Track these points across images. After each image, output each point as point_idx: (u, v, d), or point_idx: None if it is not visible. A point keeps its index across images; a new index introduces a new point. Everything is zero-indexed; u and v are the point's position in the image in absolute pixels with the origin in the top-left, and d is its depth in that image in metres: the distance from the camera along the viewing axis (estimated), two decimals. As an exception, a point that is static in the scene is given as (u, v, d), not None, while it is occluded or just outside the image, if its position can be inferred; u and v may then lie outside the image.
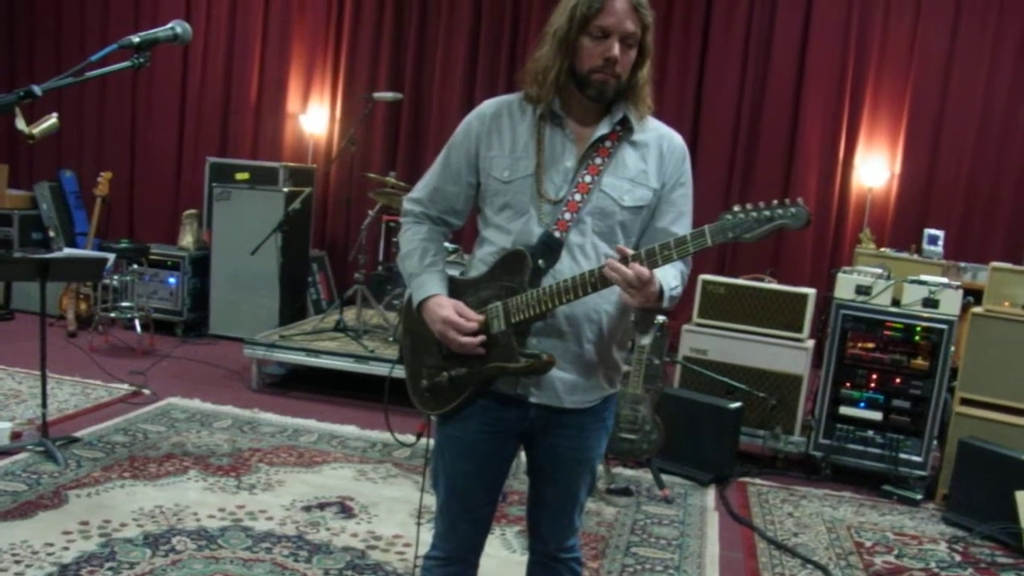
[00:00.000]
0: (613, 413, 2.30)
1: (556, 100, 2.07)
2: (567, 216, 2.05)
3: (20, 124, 1.94)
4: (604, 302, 2.08)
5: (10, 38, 8.90)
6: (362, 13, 8.01)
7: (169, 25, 2.15)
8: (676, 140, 2.16)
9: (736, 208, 1.85)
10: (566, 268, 2.04)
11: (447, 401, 2.16)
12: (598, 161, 2.07)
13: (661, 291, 1.91)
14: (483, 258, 2.16)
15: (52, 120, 2.12)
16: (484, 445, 2.18)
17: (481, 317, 2.07)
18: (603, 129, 2.07)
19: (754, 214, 1.83)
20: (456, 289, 2.17)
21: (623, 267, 1.86)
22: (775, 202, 1.84)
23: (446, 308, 2.09)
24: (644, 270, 1.85)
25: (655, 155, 2.12)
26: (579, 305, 2.03)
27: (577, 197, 2.05)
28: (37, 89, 1.88)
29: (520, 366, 2.03)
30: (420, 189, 2.27)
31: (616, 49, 1.98)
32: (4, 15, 8.89)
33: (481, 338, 2.05)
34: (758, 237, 1.84)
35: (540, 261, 2.04)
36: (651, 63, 2.08)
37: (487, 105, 2.19)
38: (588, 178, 2.06)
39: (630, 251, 1.89)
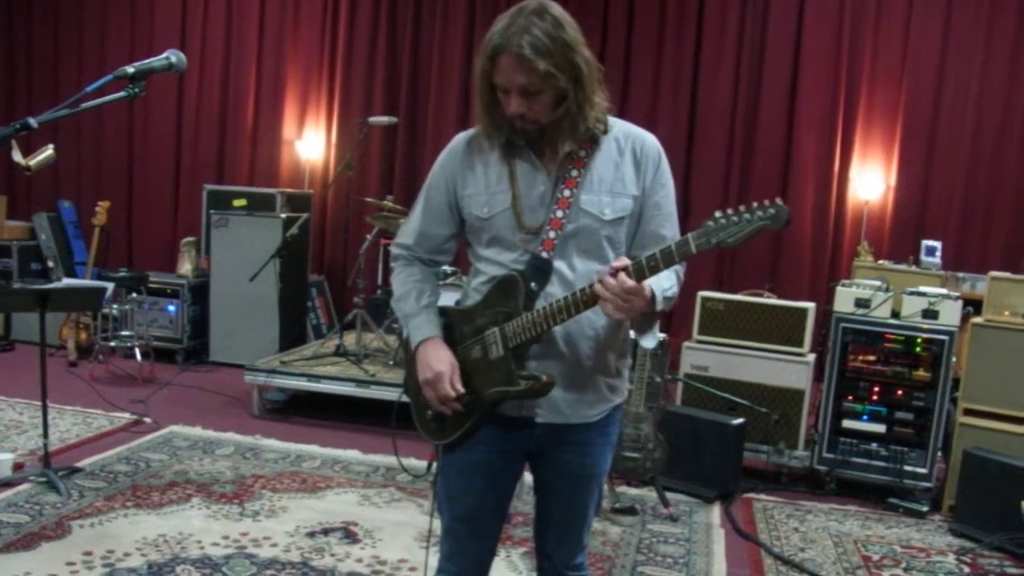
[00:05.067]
0: (617, 428, 2.29)
1: (515, 134, 2.06)
2: (552, 235, 2.05)
3: (17, 156, 1.95)
4: (599, 317, 2.07)
5: (9, 69, 8.96)
6: (356, 38, 8.05)
7: (164, 55, 2.16)
8: (649, 141, 2.14)
9: (718, 214, 1.85)
10: (557, 288, 2.04)
11: (453, 430, 2.16)
12: (574, 173, 2.06)
13: (653, 297, 1.93)
14: (477, 288, 2.17)
15: (48, 151, 2.13)
16: (490, 465, 2.17)
17: (462, 390, 2.08)
18: (568, 147, 2.06)
19: (735, 218, 1.83)
20: (451, 319, 2.18)
21: (610, 280, 1.86)
22: (755, 204, 1.84)
23: (443, 363, 2.11)
24: (629, 281, 1.86)
25: (630, 160, 2.10)
26: (574, 322, 2.03)
27: (559, 214, 2.05)
28: (33, 121, 1.89)
29: (521, 389, 2.04)
30: (406, 235, 2.28)
31: (514, 105, 1.97)
32: (3, 46, 8.96)
33: (457, 407, 2.08)
34: (740, 241, 1.84)
35: (532, 284, 2.04)
36: (587, 81, 1.99)
37: (457, 142, 2.20)
38: (567, 192, 2.06)
39: (624, 262, 1.89)
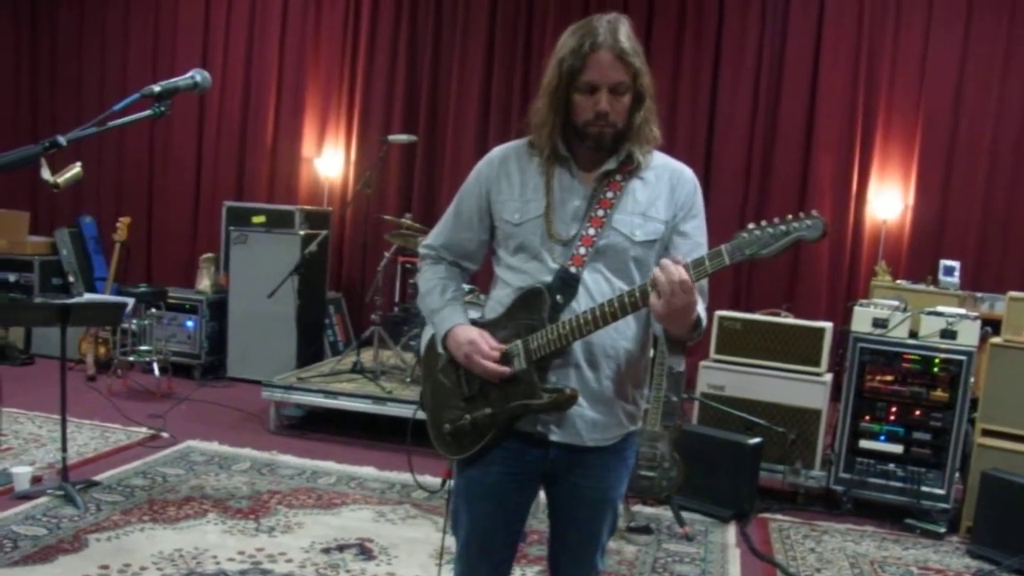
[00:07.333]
0: (635, 452, 2.29)
1: (560, 143, 2.09)
2: (582, 251, 2.06)
3: (45, 174, 1.97)
4: (621, 338, 2.09)
5: (33, 88, 9.08)
6: (376, 57, 8.11)
7: (189, 74, 2.18)
8: (686, 173, 2.18)
9: (751, 226, 1.86)
10: (582, 303, 2.05)
11: (470, 444, 2.16)
12: (609, 195, 2.08)
13: (698, 318, 1.94)
14: (499, 299, 2.17)
15: (76, 169, 2.15)
16: (504, 487, 2.17)
17: (502, 346, 2.08)
18: (610, 166, 2.09)
19: (770, 230, 1.85)
20: None
21: (669, 267, 1.84)
22: (790, 216, 1.86)
23: (472, 332, 2.12)
24: (685, 276, 1.83)
25: (666, 188, 2.13)
26: (597, 341, 2.04)
27: (591, 232, 2.07)
28: (62, 139, 1.91)
29: (544, 402, 2.04)
30: (434, 236, 2.31)
31: (604, 102, 1.99)
32: (28, 66, 9.08)
33: (507, 369, 2.06)
34: (776, 252, 1.85)
35: (558, 297, 2.05)
36: (654, 100, 2.09)
37: (496, 151, 2.22)
38: (600, 212, 2.07)
39: (681, 259, 1.88)
